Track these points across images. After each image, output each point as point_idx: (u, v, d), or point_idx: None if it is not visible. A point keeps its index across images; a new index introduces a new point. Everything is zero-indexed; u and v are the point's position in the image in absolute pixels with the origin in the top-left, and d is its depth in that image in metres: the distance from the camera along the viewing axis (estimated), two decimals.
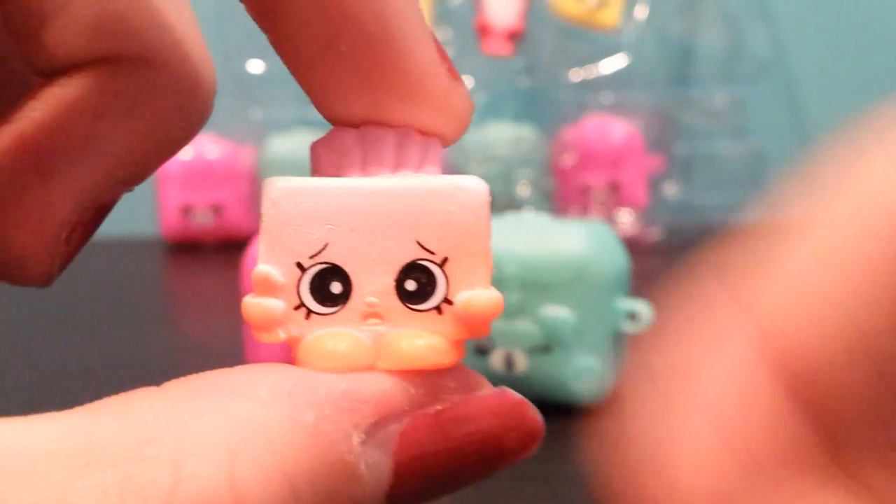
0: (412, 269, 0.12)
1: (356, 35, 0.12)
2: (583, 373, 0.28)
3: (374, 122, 0.13)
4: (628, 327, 0.28)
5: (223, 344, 0.36)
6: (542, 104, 0.62)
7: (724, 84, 0.62)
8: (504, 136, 0.58)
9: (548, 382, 0.28)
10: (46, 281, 0.15)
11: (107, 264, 0.52)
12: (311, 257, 0.12)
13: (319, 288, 0.12)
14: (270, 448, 0.10)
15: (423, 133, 0.13)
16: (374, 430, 0.11)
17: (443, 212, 0.12)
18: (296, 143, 0.58)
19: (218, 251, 0.58)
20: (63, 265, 0.15)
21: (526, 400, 0.12)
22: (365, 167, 0.12)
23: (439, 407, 0.12)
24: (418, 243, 0.12)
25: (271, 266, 0.12)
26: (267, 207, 0.12)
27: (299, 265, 0.12)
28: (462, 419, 0.12)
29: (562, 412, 0.28)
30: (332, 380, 0.11)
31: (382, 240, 0.12)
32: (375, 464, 0.11)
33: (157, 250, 0.59)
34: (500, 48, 0.59)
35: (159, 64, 0.14)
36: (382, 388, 0.11)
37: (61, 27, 0.14)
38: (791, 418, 0.10)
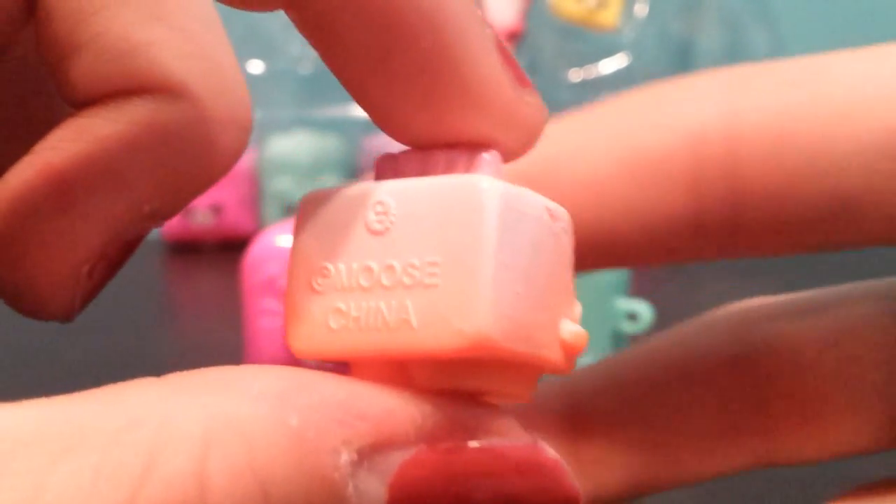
0: None
1: (410, 49, 0.11)
2: None
3: (438, 137, 0.12)
4: (628, 327, 0.28)
5: (223, 344, 0.36)
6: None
7: None
8: None
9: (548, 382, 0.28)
10: (67, 316, 0.14)
11: None
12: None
13: None
14: (245, 444, 0.09)
15: (489, 147, 0.12)
16: (370, 452, 0.10)
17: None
18: (296, 143, 0.58)
19: (218, 251, 0.58)
20: (85, 301, 0.14)
21: (561, 461, 0.11)
22: None
23: (452, 445, 0.10)
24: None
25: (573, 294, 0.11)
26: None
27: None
28: (478, 469, 0.10)
29: None
30: (332, 388, 0.10)
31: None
32: (367, 491, 0.10)
33: (157, 250, 0.59)
34: None
35: (193, 97, 0.14)
36: (386, 406, 0.10)
37: (93, 57, 0.14)
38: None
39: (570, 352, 0.11)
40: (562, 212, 0.11)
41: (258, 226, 0.57)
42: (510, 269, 0.11)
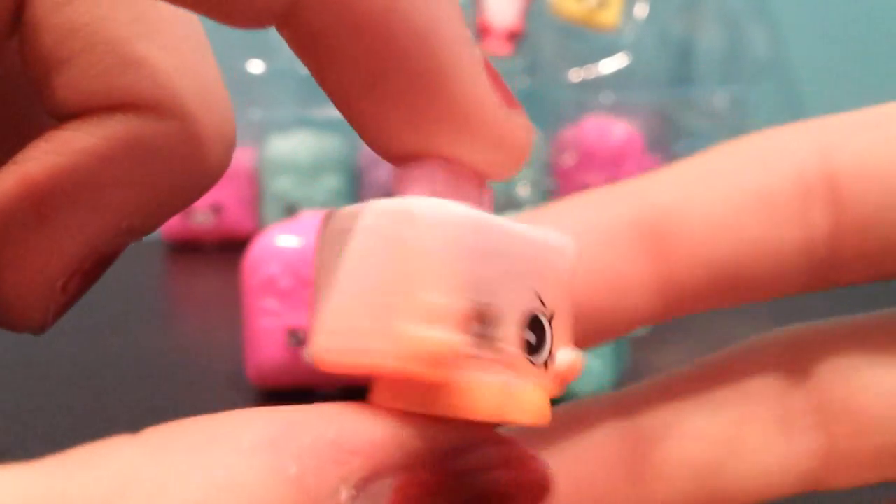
0: (531, 321, 0.11)
1: (402, 71, 0.11)
2: (583, 373, 0.28)
3: (427, 158, 0.12)
4: None
5: (223, 344, 0.36)
6: (542, 104, 0.62)
7: (724, 84, 0.62)
8: None
9: None
10: (39, 329, 0.14)
11: None
12: (471, 293, 0.11)
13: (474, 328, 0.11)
14: (249, 502, 0.09)
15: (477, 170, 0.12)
16: (364, 484, 0.10)
17: (554, 266, 0.12)
18: (296, 143, 0.58)
19: (218, 251, 0.58)
20: (58, 314, 0.14)
21: (535, 453, 0.11)
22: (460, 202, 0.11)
23: (437, 460, 0.11)
24: (536, 294, 0.11)
25: (444, 296, 0.10)
26: (423, 228, 0.10)
27: (463, 300, 0.10)
28: (462, 474, 0.11)
29: None
30: (320, 426, 0.10)
31: (512, 285, 0.11)
32: None
33: (157, 250, 0.59)
34: (500, 48, 0.58)
35: (174, 114, 0.14)
36: (373, 437, 0.10)
37: (78, 72, 0.14)
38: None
39: (563, 380, 0.12)
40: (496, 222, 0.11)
41: (258, 226, 0.57)
42: (354, 285, 0.11)
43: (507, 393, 0.11)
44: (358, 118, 0.12)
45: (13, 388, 0.33)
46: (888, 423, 0.14)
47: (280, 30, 0.11)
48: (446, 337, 0.10)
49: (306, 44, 0.11)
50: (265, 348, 0.30)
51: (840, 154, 0.14)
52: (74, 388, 0.33)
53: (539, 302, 0.11)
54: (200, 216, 0.58)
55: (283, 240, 0.30)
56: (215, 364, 0.35)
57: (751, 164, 0.14)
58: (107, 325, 0.42)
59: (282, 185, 0.58)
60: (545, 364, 0.12)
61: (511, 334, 0.11)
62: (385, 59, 0.11)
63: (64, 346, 0.38)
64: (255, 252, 0.30)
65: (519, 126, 0.12)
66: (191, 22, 0.15)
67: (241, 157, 0.60)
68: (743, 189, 0.14)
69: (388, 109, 0.11)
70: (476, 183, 0.12)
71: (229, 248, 0.54)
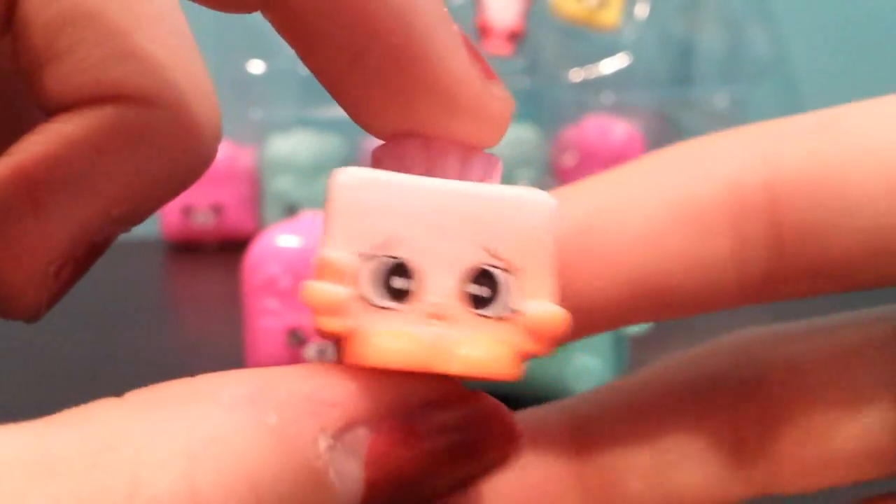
0: (479, 274, 0.12)
1: (383, 47, 0.12)
2: (583, 373, 0.28)
3: (411, 132, 0.12)
4: (628, 327, 0.28)
5: (223, 344, 0.36)
6: (543, 104, 0.62)
7: (724, 84, 0.62)
8: (504, 136, 0.58)
9: (548, 382, 0.28)
10: (33, 315, 0.15)
11: (107, 264, 0.52)
12: (377, 249, 0.12)
13: (382, 282, 0.12)
14: (232, 452, 0.09)
15: (466, 142, 0.12)
16: (341, 434, 0.10)
17: (511, 221, 0.12)
18: (296, 143, 0.58)
19: (218, 251, 0.58)
20: (51, 301, 0.15)
21: (501, 404, 0.12)
22: (430, 175, 0.12)
23: (410, 411, 0.11)
24: (486, 249, 0.12)
25: (337, 251, 0.11)
26: (336, 193, 0.12)
27: (364, 255, 0.11)
28: (433, 424, 0.11)
29: None
30: (295, 383, 0.11)
31: (450, 241, 0.12)
32: (347, 472, 0.10)
33: (158, 250, 0.59)
34: (501, 48, 0.58)
35: (162, 105, 0.14)
36: (348, 390, 0.11)
37: (69, 66, 0.14)
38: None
39: (534, 333, 0.12)
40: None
41: (258, 226, 0.57)
42: None
43: (435, 345, 0.11)
44: (343, 95, 0.12)
45: (13, 387, 0.33)
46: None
47: (264, 12, 0.12)
48: (330, 289, 0.11)
49: (290, 26, 0.12)
50: (265, 348, 0.30)
51: (779, 161, 0.13)
52: (75, 387, 0.33)
53: (489, 256, 0.12)
54: (201, 216, 0.58)
55: (284, 240, 0.30)
56: (215, 364, 0.35)
57: (680, 172, 0.13)
58: (107, 325, 0.42)
59: (282, 185, 0.58)
60: (502, 318, 0.12)
61: (445, 287, 0.12)
62: (365, 35, 0.11)
63: (64, 346, 0.38)
64: (256, 252, 0.30)
65: (498, 97, 0.13)
66: (177, 17, 0.15)
67: (242, 157, 0.60)
68: (666, 199, 0.13)
69: (370, 85, 0.12)
70: (460, 155, 0.12)
71: (229, 248, 0.54)
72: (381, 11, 0.11)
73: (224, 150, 0.60)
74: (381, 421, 0.11)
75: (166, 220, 0.58)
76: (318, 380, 0.11)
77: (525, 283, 0.12)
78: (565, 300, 0.12)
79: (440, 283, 0.12)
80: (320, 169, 0.58)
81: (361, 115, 0.12)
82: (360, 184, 0.12)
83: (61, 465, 0.09)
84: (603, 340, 0.28)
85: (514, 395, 0.29)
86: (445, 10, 0.12)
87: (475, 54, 0.12)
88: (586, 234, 0.13)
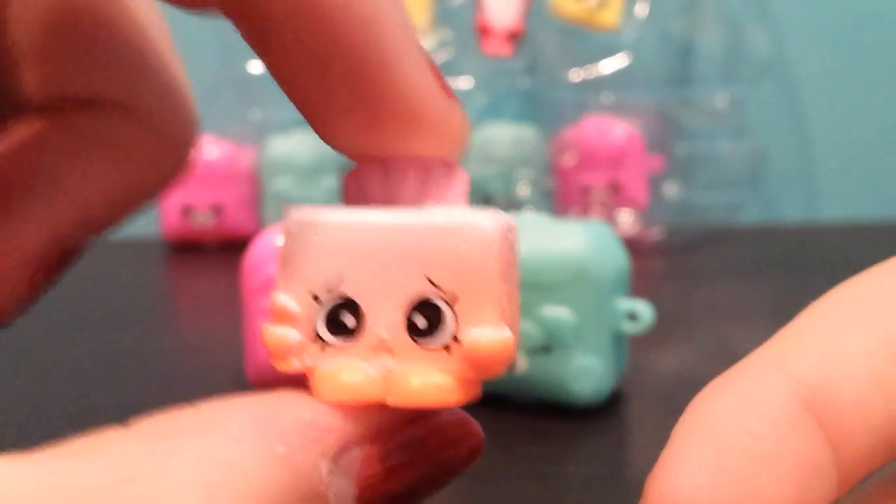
0: (422, 306, 0.12)
1: (348, 62, 0.12)
2: (583, 373, 0.28)
3: (375, 148, 0.13)
4: (628, 327, 0.28)
5: (223, 344, 0.36)
6: (543, 104, 0.62)
7: (724, 84, 0.62)
8: (504, 136, 0.58)
9: (548, 383, 0.28)
10: (4, 321, 0.15)
11: (107, 264, 0.52)
12: (327, 289, 0.12)
13: (334, 320, 0.12)
14: (246, 482, 0.10)
15: (443, 161, 0.13)
16: (337, 457, 0.11)
17: (452, 249, 0.12)
18: (296, 143, 0.58)
19: (218, 251, 0.58)
20: (23, 308, 0.15)
21: (469, 416, 0.13)
22: (388, 200, 0.13)
23: (391, 431, 0.12)
24: (428, 279, 0.12)
25: (288, 296, 0.12)
26: (286, 236, 0.12)
27: (316, 297, 0.12)
28: (416, 442, 0.12)
29: (562, 412, 0.28)
30: (296, 411, 0.11)
31: (393, 275, 0.12)
32: (342, 491, 0.11)
33: (158, 250, 0.59)
34: (501, 48, 0.58)
35: (136, 111, 0.15)
36: (342, 417, 0.11)
37: (45, 68, 0.14)
38: (822, 452, 0.11)
39: (473, 361, 0.12)
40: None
41: (258, 226, 0.57)
42: None
43: (385, 378, 0.12)
44: (307, 109, 0.13)
45: (13, 388, 0.33)
46: None
47: (227, 15, 0.12)
48: (282, 333, 0.12)
49: (254, 36, 0.12)
50: (265, 348, 0.30)
51: None
52: (75, 387, 0.33)
53: (430, 286, 0.12)
54: (201, 216, 0.58)
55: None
56: (215, 364, 0.35)
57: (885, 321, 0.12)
58: (107, 325, 0.42)
59: (282, 185, 0.58)
60: (447, 347, 0.12)
61: (391, 320, 0.12)
62: (328, 50, 0.12)
63: (64, 346, 0.38)
64: (256, 252, 0.30)
65: (459, 116, 0.13)
66: (158, 23, 0.15)
67: (241, 158, 0.60)
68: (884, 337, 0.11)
69: (334, 101, 0.12)
70: (419, 176, 0.13)
71: (229, 248, 0.54)
72: (346, 20, 0.11)
73: (224, 151, 0.60)
74: (370, 442, 0.12)
75: (166, 220, 0.58)
76: (314, 406, 0.11)
77: (467, 311, 0.12)
78: (837, 461, 0.11)
79: (386, 316, 0.12)
80: (320, 169, 0.58)
81: (325, 131, 0.13)
82: (306, 226, 0.12)
83: (82, 496, 0.09)
84: (603, 340, 0.28)
85: (515, 396, 0.30)
86: (412, 25, 0.12)
87: (438, 73, 0.12)
88: (826, 394, 0.12)
